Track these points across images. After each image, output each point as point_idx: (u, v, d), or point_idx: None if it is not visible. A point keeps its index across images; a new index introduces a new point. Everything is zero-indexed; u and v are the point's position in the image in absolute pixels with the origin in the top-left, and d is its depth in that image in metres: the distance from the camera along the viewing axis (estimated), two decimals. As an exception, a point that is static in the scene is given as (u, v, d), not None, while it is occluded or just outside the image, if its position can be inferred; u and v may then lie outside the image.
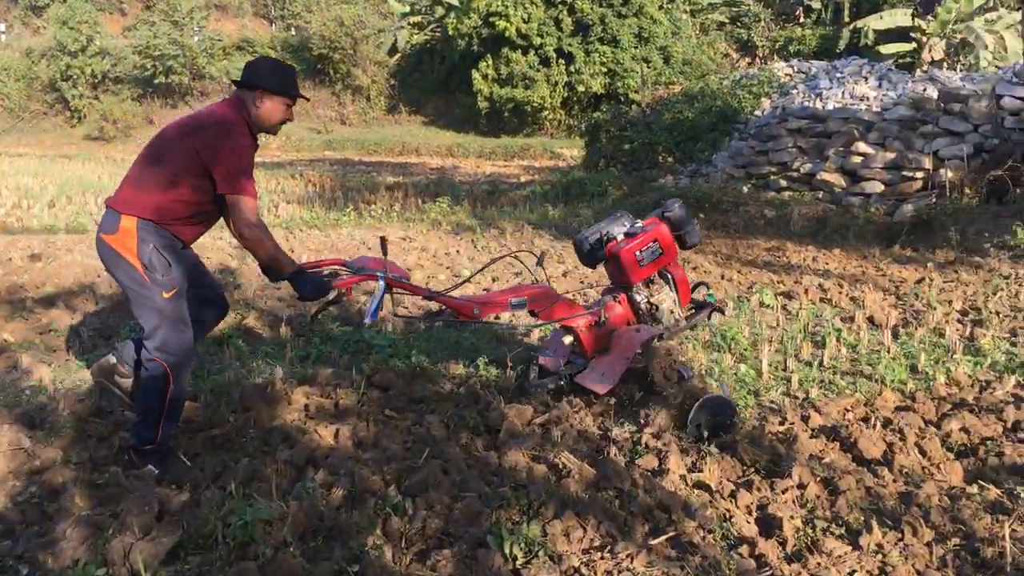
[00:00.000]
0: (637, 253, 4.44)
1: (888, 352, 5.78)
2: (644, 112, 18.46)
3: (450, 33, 38.54)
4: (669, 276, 4.72)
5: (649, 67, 35.33)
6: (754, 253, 10.23)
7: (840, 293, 7.79)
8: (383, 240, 3.85)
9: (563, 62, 35.89)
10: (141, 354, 3.72)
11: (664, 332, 4.62)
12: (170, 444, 3.80)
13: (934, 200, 10.97)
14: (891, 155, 11.85)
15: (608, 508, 3.29)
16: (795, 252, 10.18)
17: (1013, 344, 5.95)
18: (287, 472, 3.68)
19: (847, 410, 4.65)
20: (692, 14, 40.47)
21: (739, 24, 40.53)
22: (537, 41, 35.63)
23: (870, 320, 6.78)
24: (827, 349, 5.77)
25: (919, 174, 11.39)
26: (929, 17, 26.86)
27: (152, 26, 43.08)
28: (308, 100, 5.29)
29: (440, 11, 42.73)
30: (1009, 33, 26.32)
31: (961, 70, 22.88)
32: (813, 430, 4.31)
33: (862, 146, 12.32)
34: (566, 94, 36.45)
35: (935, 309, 7.02)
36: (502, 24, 35.43)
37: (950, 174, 10.95)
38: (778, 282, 8.41)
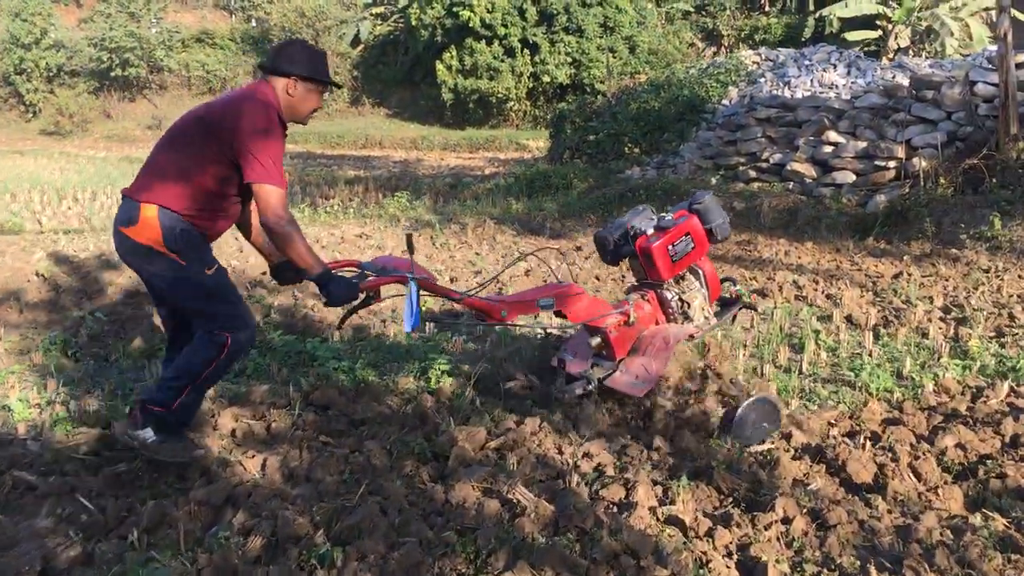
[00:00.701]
0: (670, 248, 4.21)
1: (871, 356, 5.41)
2: (610, 102, 18.04)
3: (413, 24, 38.00)
4: (700, 271, 4.50)
5: (615, 57, 35.01)
6: (724, 247, 9.84)
7: (816, 290, 7.43)
8: (409, 238, 3.55)
9: (528, 52, 35.46)
10: (196, 341, 3.48)
11: (698, 331, 4.41)
12: (183, 421, 3.54)
13: (907, 190, 10.65)
14: (862, 144, 11.53)
15: (568, 556, 2.85)
16: (766, 245, 9.82)
17: (1001, 345, 5.60)
18: (201, 515, 3.21)
19: (831, 424, 4.27)
20: (657, 3, 40.19)
21: (704, 13, 40.31)
22: (501, 31, 35.16)
23: (848, 320, 6.42)
24: (806, 354, 5.38)
25: (891, 163, 11.07)
26: (894, 4, 26.74)
27: (108, 18, 42.10)
28: (340, 88, 5.00)
29: (403, 1, 42.14)
30: (974, 20, 26.27)
31: (927, 57, 22.73)
32: (796, 450, 3.90)
33: (833, 135, 11.98)
34: (531, 85, 36.03)
35: (915, 306, 6.67)
36: (466, 14, 34.95)
37: (923, 163, 10.64)
38: (751, 279, 8.02)
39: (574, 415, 4.19)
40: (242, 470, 3.56)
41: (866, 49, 26.60)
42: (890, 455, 3.77)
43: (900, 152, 10.97)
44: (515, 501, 3.24)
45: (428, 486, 3.45)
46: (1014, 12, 24.59)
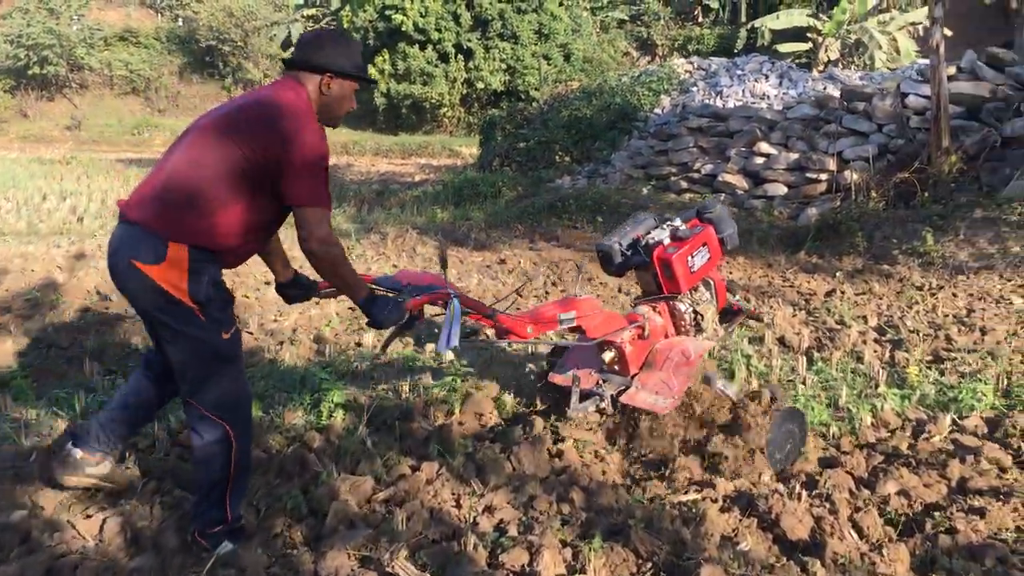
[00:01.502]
0: (689, 259, 4.05)
1: (804, 384, 5.03)
2: (542, 109, 17.65)
3: (345, 26, 37.24)
4: (711, 282, 4.38)
5: (550, 64, 34.75)
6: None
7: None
8: (443, 254, 3.42)
9: (462, 58, 34.98)
10: (186, 415, 3.07)
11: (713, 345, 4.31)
12: (242, 517, 3.13)
13: (839, 203, 10.44)
14: (794, 156, 11.31)
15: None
16: (697, 259, 9.48)
17: (940, 372, 5.27)
18: (11, 597, 2.64)
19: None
20: (592, 11, 40.13)
21: (639, 23, 40.35)
22: (435, 36, 34.64)
23: (781, 342, 6.06)
24: (736, 382, 4.98)
25: (823, 176, 10.86)
26: (824, 17, 26.98)
27: (26, 14, 40.34)
28: (376, 85, 4.35)
29: (335, 3, 41.35)
30: (901, 34, 26.62)
31: (856, 69, 22.88)
32: (725, 500, 3.47)
33: (765, 146, 11.75)
34: (465, 91, 35.56)
35: (850, 327, 6.35)
36: (399, 18, 34.35)
37: (855, 176, 10.44)
38: (680, 296, 7.64)
39: (479, 459, 3.71)
40: (74, 535, 2.99)
41: (797, 61, 26.75)
42: (828, 505, 3.36)
43: (832, 164, 10.77)
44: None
45: (296, 552, 2.93)
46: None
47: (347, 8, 37.52)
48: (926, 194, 9.56)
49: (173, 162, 2.89)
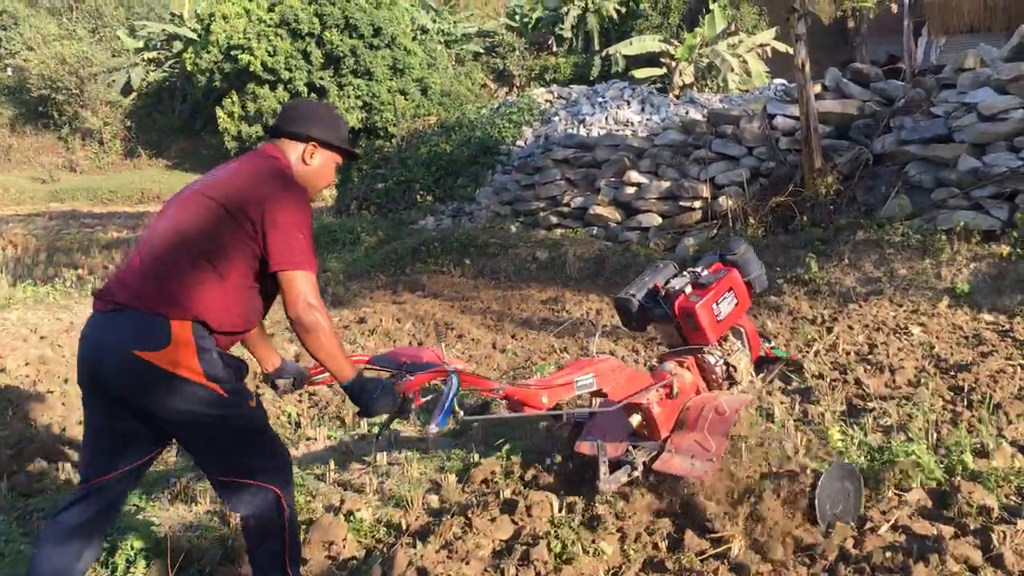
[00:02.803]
0: (714, 307, 3.77)
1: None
2: (399, 147, 16.76)
3: (189, 69, 35.58)
4: (741, 330, 4.11)
5: (407, 99, 34.00)
6: (529, 308, 8.71)
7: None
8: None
9: (315, 96, 33.79)
10: (225, 497, 2.87)
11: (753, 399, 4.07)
12: None
13: (716, 232, 9.96)
14: (666, 184, 10.80)
15: None
16: (575, 302, 8.77)
17: (861, 428, 4.59)
18: None
19: None
20: (447, 45, 39.73)
21: (495, 54, 40.18)
22: (286, 75, 33.33)
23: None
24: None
25: (697, 203, 10.38)
26: (675, 42, 27.27)
27: None
28: (359, 158, 3.90)
29: (178, 46, 39.47)
30: (751, 56, 27.17)
31: (710, 92, 23.02)
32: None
33: (634, 175, 11.21)
34: (321, 130, 34.35)
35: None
36: (245, 58, 32.93)
37: (730, 202, 9.99)
38: (561, 350, 6.86)
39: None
40: None
41: (654, 86, 26.90)
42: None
43: (705, 191, 10.30)
44: None
45: None
46: (781, 46, 25.47)
47: (190, 50, 35.91)
48: (805, 218, 9.16)
49: (160, 236, 2.75)
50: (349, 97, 33.77)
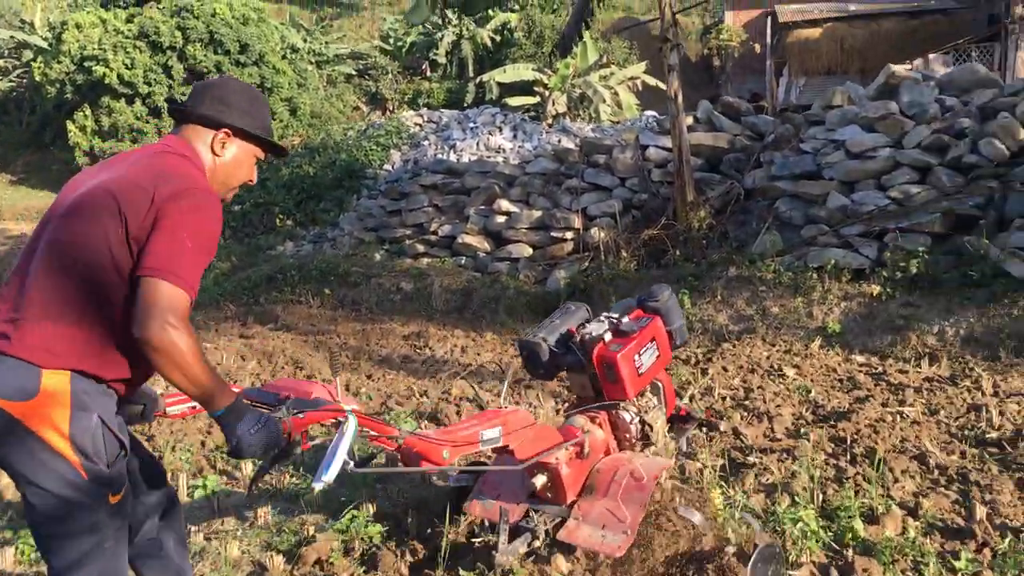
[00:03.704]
0: (636, 358, 3.37)
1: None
2: (259, 167, 15.83)
3: (38, 79, 33.36)
4: (659, 385, 3.74)
5: (275, 119, 32.85)
6: (390, 344, 8.09)
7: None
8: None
9: (175, 115, 32.20)
10: None
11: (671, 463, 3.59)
12: None
13: (588, 264, 9.60)
14: (537, 213, 10.41)
15: None
16: (439, 338, 8.20)
17: (743, 489, 4.19)
18: None
19: None
20: (318, 65, 38.77)
21: (367, 77, 39.48)
22: (144, 89, 31.61)
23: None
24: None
25: (569, 234, 10.02)
26: (549, 72, 27.31)
27: None
28: (286, 155, 4.14)
29: (28, 55, 37.05)
30: (622, 88, 27.47)
31: (584, 122, 23.03)
32: None
33: (505, 203, 10.78)
34: (183, 148, 32.73)
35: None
36: (100, 70, 31.09)
37: (602, 234, 9.66)
38: (420, 394, 6.27)
39: None
40: None
41: (528, 114, 26.84)
42: None
43: (577, 222, 9.95)
44: None
45: None
46: (651, 80, 25.85)
47: (39, 59, 33.71)
48: (678, 252, 8.90)
49: (37, 261, 2.24)
50: (213, 115, 32.41)
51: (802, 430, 5.13)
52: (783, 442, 4.95)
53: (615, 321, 3.49)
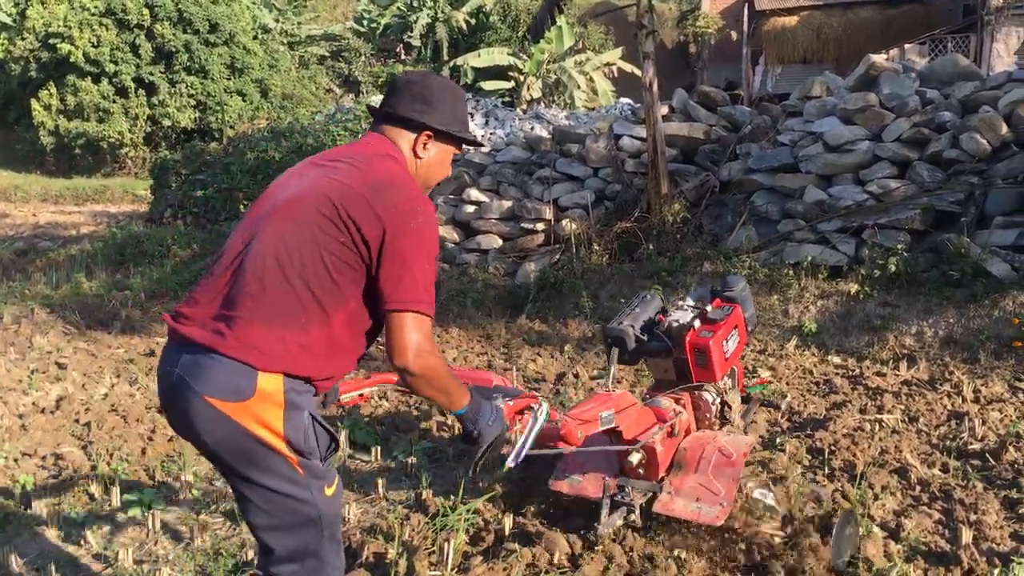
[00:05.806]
0: (724, 344, 3.68)
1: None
2: (224, 151, 15.39)
3: (1, 56, 32.57)
4: (734, 369, 3.96)
5: (245, 101, 32.23)
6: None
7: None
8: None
9: (144, 93, 31.48)
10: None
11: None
12: None
13: (559, 257, 9.32)
14: (507, 203, 10.10)
15: None
16: (404, 333, 7.88)
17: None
18: None
19: None
20: (291, 46, 38.14)
21: (340, 59, 38.91)
22: (111, 68, 30.88)
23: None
24: (451, 547, 3.38)
25: (540, 226, 9.72)
26: (524, 56, 26.99)
27: None
28: (481, 146, 4.18)
29: (-10, 31, 36.19)
30: (598, 75, 27.20)
31: (559, 108, 22.72)
32: None
33: (475, 193, 10.47)
34: (150, 128, 32.00)
35: (593, 433, 5.00)
36: (65, 47, 30.36)
37: (574, 226, 9.38)
38: (379, 396, 5.98)
39: None
40: None
41: (502, 99, 26.49)
42: None
43: (548, 213, 9.65)
44: None
45: None
46: (627, 66, 25.58)
47: (2, 36, 32.87)
48: (650, 246, 8.63)
49: (250, 260, 2.21)
50: (182, 95, 31.71)
51: (778, 440, 4.90)
52: (758, 453, 4.71)
53: (700, 310, 3.77)
